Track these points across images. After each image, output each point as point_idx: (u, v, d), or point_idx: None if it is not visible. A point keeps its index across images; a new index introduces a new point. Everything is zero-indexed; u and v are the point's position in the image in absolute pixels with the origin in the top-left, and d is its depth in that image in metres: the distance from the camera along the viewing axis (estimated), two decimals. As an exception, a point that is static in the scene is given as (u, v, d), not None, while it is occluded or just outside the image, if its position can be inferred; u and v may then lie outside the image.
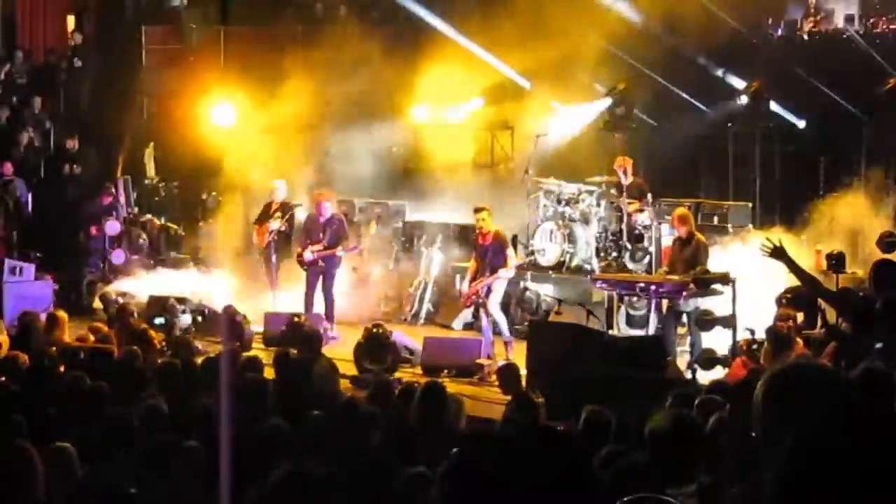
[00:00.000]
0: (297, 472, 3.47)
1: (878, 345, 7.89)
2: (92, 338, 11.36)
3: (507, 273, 13.88)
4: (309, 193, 16.95)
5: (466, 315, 15.95)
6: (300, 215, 16.64)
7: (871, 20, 18.55)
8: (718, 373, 11.56)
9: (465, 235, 16.89)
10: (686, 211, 13.93)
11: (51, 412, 7.49)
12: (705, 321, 12.76)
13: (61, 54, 22.55)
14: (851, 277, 12.95)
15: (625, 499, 3.06)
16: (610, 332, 13.78)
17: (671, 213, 14.43)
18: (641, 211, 15.73)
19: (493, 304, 13.78)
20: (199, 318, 14.97)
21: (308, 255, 15.31)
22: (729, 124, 18.72)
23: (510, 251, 14.08)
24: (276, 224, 16.01)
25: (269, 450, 5.90)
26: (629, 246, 15.63)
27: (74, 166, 20.01)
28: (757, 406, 2.93)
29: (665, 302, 13.21)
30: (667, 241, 15.12)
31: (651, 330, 13.29)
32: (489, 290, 13.75)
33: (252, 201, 19.03)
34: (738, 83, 18.41)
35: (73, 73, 21.74)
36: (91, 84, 21.60)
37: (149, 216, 20.09)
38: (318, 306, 15.24)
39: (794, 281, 9.82)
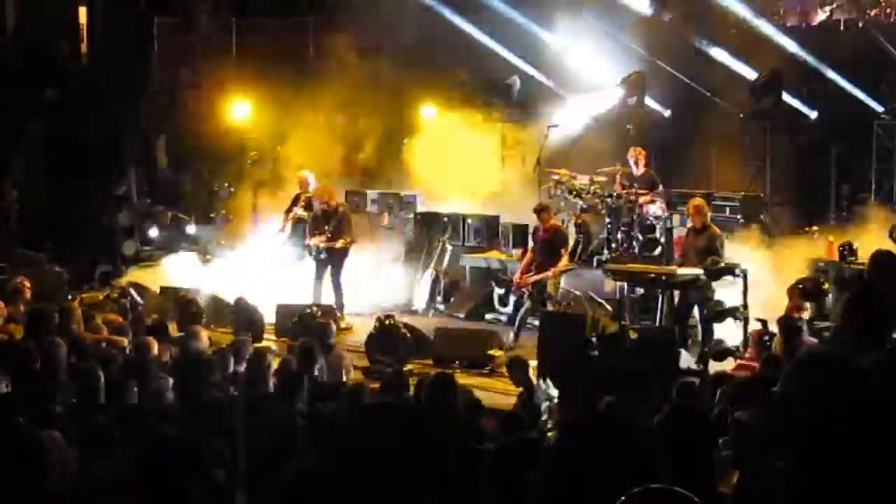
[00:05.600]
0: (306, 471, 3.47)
1: None
2: (105, 329, 11.38)
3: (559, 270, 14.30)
4: (318, 185, 16.90)
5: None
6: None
7: (886, 9, 18.46)
8: (729, 364, 11.55)
9: (481, 227, 16.91)
10: (702, 201, 13.88)
11: (60, 403, 7.51)
12: (716, 312, 12.72)
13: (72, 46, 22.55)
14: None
15: (633, 490, 3.05)
16: (621, 323, 13.75)
17: (684, 204, 14.40)
18: (653, 202, 15.70)
19: None
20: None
21: (312, 245, 15.38)
22: (741, 115, 18.64)
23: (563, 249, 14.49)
24: (300, 212, 16.06)
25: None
26: (640, 237, 15.60)
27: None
28: (783, 393, 2.91)
29: (677, 293, 13.18)
30: (679, 232, 15.10)
31: (662, 321, 13.26)
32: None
33: (265, 192, 19.05)
34: (749, 73, 18.34)
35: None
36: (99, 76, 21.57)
37: (161, 207, 20.11)
38: (328, 297, 15.28)
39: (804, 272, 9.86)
